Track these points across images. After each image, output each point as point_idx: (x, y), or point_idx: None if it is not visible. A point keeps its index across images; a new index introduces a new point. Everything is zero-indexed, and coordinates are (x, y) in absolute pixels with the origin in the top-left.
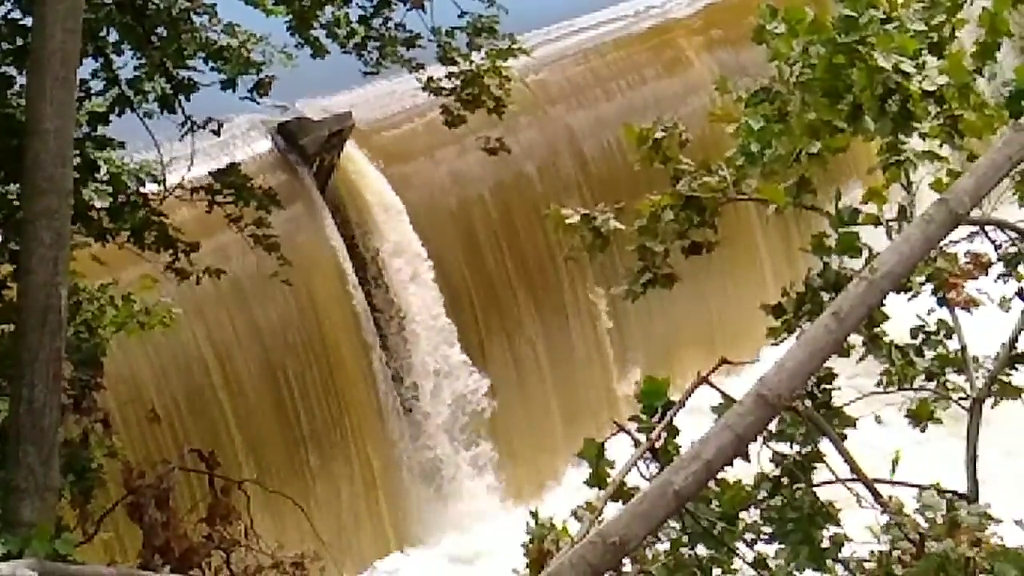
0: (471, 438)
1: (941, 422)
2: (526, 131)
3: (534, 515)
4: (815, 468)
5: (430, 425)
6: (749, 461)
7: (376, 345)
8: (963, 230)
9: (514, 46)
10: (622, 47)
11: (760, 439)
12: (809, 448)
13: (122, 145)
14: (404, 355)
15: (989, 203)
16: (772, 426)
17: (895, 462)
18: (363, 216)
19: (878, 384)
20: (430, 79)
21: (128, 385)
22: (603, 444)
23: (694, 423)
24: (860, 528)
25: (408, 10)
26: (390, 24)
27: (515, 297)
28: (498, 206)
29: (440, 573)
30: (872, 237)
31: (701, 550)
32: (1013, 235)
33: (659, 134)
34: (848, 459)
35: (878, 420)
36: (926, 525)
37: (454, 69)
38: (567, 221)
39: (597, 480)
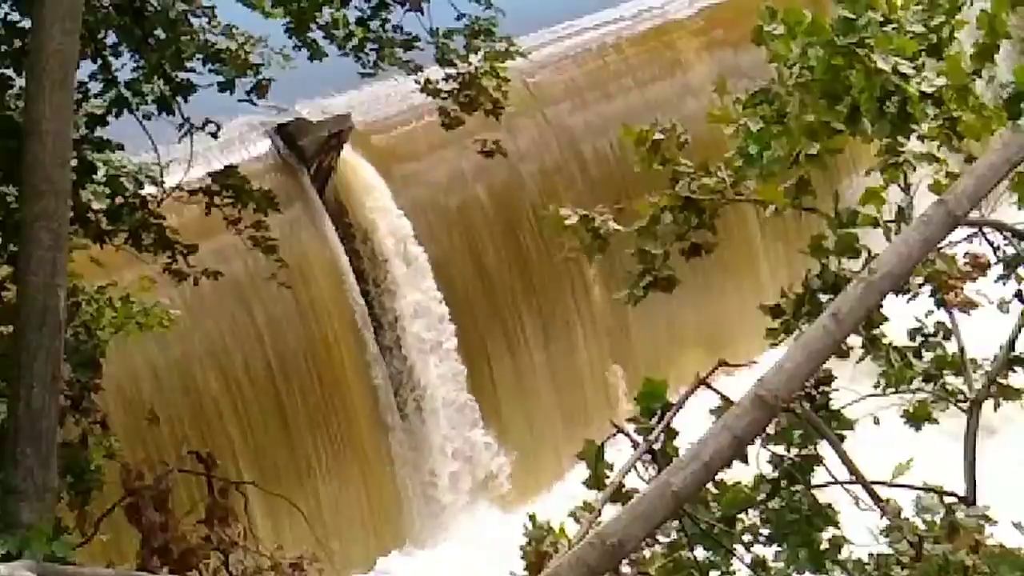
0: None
1: (938, 422)
2: (525, 133)
3: (532, 518)
4: (814, 470)
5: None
6: (747, 463)
7: (372, 343)
8: (961, 232)
9: (511, 48)
10: (622, 49)
11: (758, 441)
12: (807, 450)
13: (121, 147)
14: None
15: (987, 205)
16: (771, 428)
17: (899, 469)
18: (359, 217)
19: (876, 385)
20: (427, 81)
21: (127, 387)
22: (602, 445)
23: (693, 425)
24: (859, 530)
25: (406, 12)
26: (388, 26)
27: (515, 295)
28: (497, 207)
29: (440, 574)
30: (870, 239)
31: (699, 552)
32: (1011, 237)
33: (658, 135)
34: (847, 461)
35: (876, 422)
36: (924, 528)
37: (452, 71)
38: (566, 222)
39: (596, 481)
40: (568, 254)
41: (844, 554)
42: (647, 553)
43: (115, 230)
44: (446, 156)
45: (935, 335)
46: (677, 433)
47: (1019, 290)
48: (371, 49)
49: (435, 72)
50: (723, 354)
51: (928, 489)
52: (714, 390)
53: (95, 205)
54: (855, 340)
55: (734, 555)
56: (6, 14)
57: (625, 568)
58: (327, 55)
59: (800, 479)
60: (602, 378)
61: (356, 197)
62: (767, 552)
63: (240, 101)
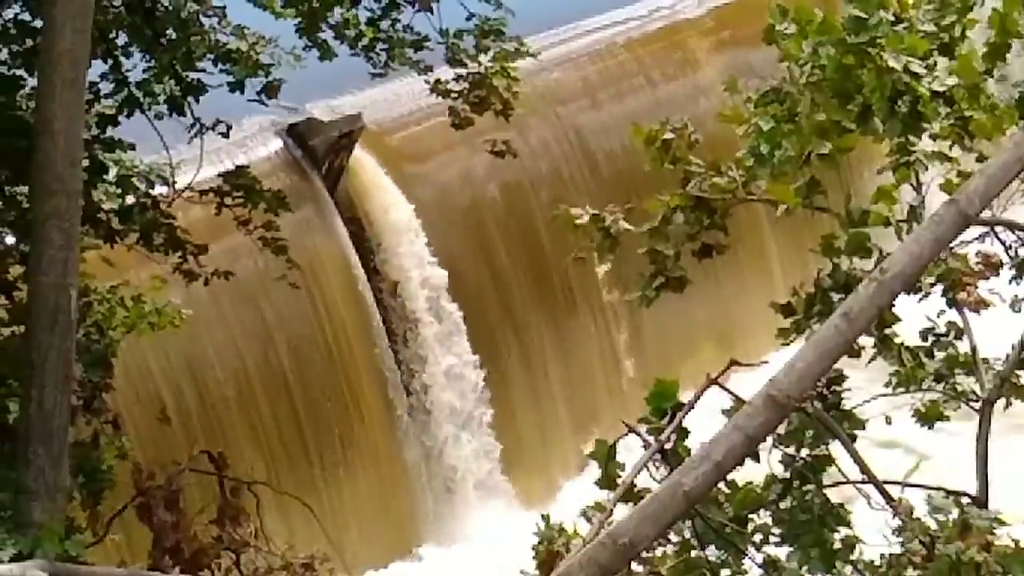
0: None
1: (949, 419)
2: (538, 132)
3: (545, 517)
4: (825, 470)
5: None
6: (758, 461)
7: (386, 350)
8: (973, 231)
9: (521, 48)
10: (633, 48)
11: (770, 441)
12: (819, 450)
13: (133, 147)
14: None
15: (999, 204)
16: (782, 428)
17: (912, 470)
18: (371, 218)
19: (887, 385)
20: (438, 81)
21: (138, 386)
22: (614, 445)
23: (704, 424)
24: (870, 530)
25: (416, 12)
26: (398, 26)
27: (526, 296)
28: (509, 206)
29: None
30: (882, 238)
31: (711, 551)
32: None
33: (668, 135)
34: (858, 461)
35: (888, 422)
36: (936, 527)
37: (462, 71)
38: (576, 222)
39: (607, 481)
40: (579, 254)
41: (855, 554)
42: (658, 552)
43: (125, 230)
44: (461, 155)
45: (947, 335)
46: (688, 432)
47: None
48: (381, 49)
49: (446, 72)
50: (735, 354)
51: (940, 489)
52: (725, 390)
53: (106, 205)
54: (866, 339)
55: (745, 555)
56: (16, 14)
57: (636, 568)
58: (337, 55)
59: (812, 479)
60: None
61: (366, 197)
62: (778, 552)
63: (250, 101)
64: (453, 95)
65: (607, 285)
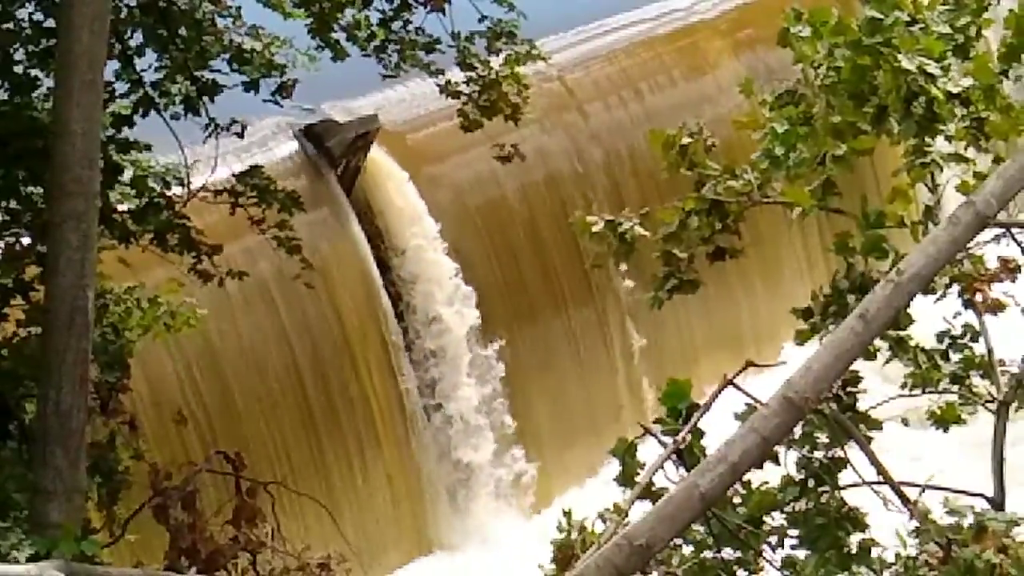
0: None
1: (966, 422)
2: (557, 131)
3: (567, 513)
4: (841, 471)
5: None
6: (778, 463)
7: (402, 352)
8: (989, 232)
9: (533, 51)
10: (651, 48)
11: (785, 442)
12: (835, 451)
13: (148, 147)
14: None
15: (1015, 206)
16: (798, 430)
17: (929, 478)
18: (387, 219)
19: (902, 387)
20: (448, 82)
21: (155, 387)
22: (634, 442)
23: (720, 425)
24: (886, 532)
25: (428, 13)
26: (410, 28)
27: (545, 299)
28: (528, 207)
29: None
30: (898, 239)
31: (726, 553)
32: None
33: (686, 140)
34: (875, 462)
35: (904, 423)
36: (952, 530)
37: (472, 74)
38: (592, 228)
39: (626, 478)
40: (596, 261)
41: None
42: (674, 554)
43: (140, 231)
44: (479, 155)
45: (963, 336)
46: (703, 433)
47: None
48: (393, 50)
49: (457, 74)
50: (752, 355)
51: (956, 491)
52: (741, 391)
53: (121, 206)
54: (881, 341)
55: (761, 556)
56: (31, 14)
57: (652, 568)
58: (349, 56)
59: (827, 480)
60: (638, 393)
61: (388, 208)
62: (793, 553)
63: (265, 101)
64: (464, 99)
65: (626, 288)
